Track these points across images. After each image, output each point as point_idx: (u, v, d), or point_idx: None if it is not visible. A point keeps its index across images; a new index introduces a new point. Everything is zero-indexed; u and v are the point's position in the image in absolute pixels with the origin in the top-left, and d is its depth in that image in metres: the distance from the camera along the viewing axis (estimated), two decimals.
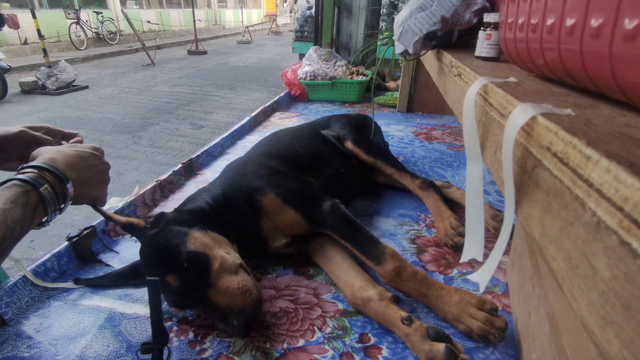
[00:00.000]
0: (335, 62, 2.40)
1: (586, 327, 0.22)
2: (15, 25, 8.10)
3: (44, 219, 0.58)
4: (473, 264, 0.86)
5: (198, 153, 1.44)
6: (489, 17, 0.69)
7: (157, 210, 1.10)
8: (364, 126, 1.28)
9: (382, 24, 2.92)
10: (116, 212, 0.98)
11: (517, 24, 0.44)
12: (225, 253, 0.70)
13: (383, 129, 1.60)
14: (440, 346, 0.60)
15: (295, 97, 2.43)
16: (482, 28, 0.70)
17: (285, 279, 0.83)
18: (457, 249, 0.91)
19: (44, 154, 0.61)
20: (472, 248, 0.43)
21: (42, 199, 0.55)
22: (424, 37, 0.87)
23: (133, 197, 1.08)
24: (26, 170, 0.57)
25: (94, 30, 9.93)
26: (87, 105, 4.85)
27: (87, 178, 0.64)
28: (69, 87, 5.51)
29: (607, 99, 0.35)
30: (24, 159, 0.65)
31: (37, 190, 0.55)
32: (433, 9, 0.85)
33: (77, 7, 9.50)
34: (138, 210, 1.09)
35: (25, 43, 8.71)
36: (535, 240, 0.30)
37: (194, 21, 9.54)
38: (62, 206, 0.60)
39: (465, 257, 0.43)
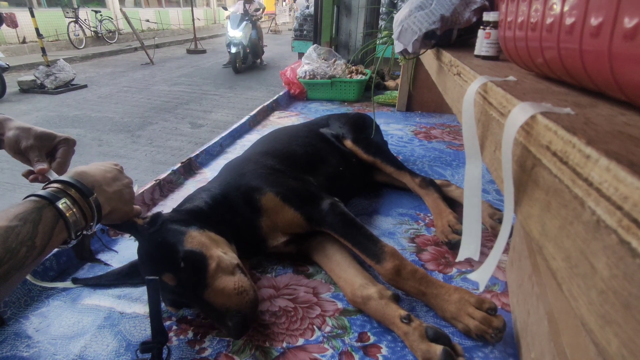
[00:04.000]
0: (334, 61, 2.40)
1: (585, 326, 0.22)
2: (13, 24, 8.07)
3: (67, 237, 0.54)
4: (472, 263, 0.86)
5: (197, 152, 1.44)
6: (488, 16, 0.69)
7: (156, 210, 1.10)
8: (363, 125, 1.28)
9: (382, 23, 2.92)
10: None
11: (517, 22, 0.44)
12: (222, 253, 0.70)
13: (382, 128, 1.60)
14: (438, 348, 0.60)
15: (295, 96, 2.43)
16: (481, 27, 0.70)
17: (284, 278, 0.84)
18: (452, 246, 0.91)
19: (74, 170, 0.59)
20: (468, 247, 0.43)
21: (62, 215, 0.51)
22: (423, 36, 0.87)
23: None
24: (50, 185, 0.54)
25: (92, 29, 9.91)
26: (86, 104, 4.84)
27: (116, 192, 0.62)
28: (67, 86, 5.50)
29: (606, 98, 0.35)
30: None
31: (54, 205, 0.51)
32: (432, 7, 0.85)
33: (75, 6, 9.47)
34: None
35: (24, 42, 8.69)
36: (535, 239, 0.30)
37: (193, 20, 9.51)
38: (92, 224, 0.57)
39: (461, 255, 0.43)
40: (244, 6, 7.10)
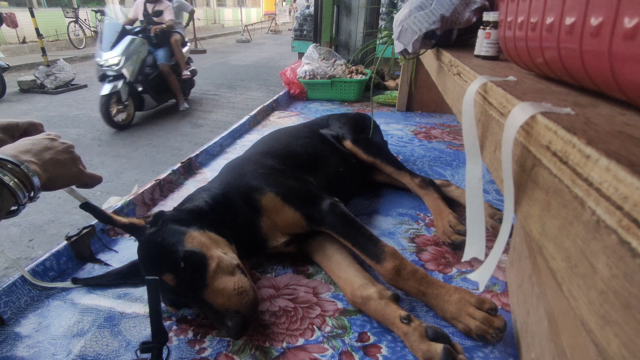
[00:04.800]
0: (334, 61, 2.40)
1: (585, 326, 0.22)
2: (13, 24, 8.08)
3: (13, 207, 0.57)
4: (472, 263, 0.86)
5: (197, 152, 1.44)
6: (488, 16, 0.69)
7: (156, 210, 1.10)
8: (363, 125, 1.28)
9: (382, 23, 2.92)
10: (115, 212, 0.98)
11: (517, 22, 0.44)
12: (222, 253, 0.70)
13: (382, 128, 1.60)
14: (438, 347, 0.60)
15: (295, 96, 2.43)
16: (481, 27, 0.70)
17: (284, 278, 0.83)
18: (455, 247, 0.91)
19: None
20: (473, 247, 0.43)
21: (3, 184, 0.54)
22: (423, 36, 0.87)
23: (132, 196, 1.08)
24: None
25: (92, 29, 9.90)
26: (86, 104, 4.83)
27: (50, 159, 0.63)
28: (67, 86, 5.50)
29: (606, 98, 0.35)
30: None
31: None
32: (432, 7, 0.85)
33: (75, 6, 9.47)
34: (137, 209, 1.09)
35: (24, 42, 8.69)
36: (535, 239, 0.30)
37: (193, 20, 9.51)
38: (32, 194, 0.59)
39: (467, 256, 0.43)
40: (144, 6, 4.23)
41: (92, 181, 0.71)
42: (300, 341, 0.68)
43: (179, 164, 1.32)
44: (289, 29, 13.53)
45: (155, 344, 0.61)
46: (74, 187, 0.70)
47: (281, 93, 2.38)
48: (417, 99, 2.13)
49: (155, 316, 0.61)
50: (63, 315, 0.74)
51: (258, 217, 0.83)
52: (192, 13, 5.33)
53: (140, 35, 3.99)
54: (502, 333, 0.65)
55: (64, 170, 0.65)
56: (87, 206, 0.72)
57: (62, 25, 9.15)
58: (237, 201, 0.84)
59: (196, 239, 0.70)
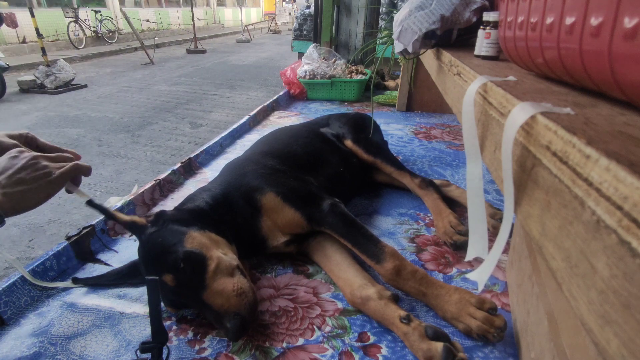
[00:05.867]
0: (334, 61, 2.39)
1: (585, 325, 0.22)
2: (13, 23, 8.07)
3: None
4: (472, 263, 0.86)
5: (197, 152, 1.44)
6: (488, 16, 0.69)
7: (156, 209, 1.10)
8: (363, 125, 1.28)
9: (382, 23, 2.92)
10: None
11: (517, 22, 0.44)
12: (222, 254, 0.70)
13: (382, 128, 1.60)
14: (439, 345, 0.60)
15: (295, 96, 2.43)
16: (481, 27, 0.70)
17: (284, 278, 0.84)
18: (456, 247, 0.91)
19: None
20: (476, 246, 0.43)
21: None
22: (423, 36, 0.87)
23: (132, 196, 1.08)
24: None
25: (92, 29, 9.90)
26: (86, 104, 4.83)
27: (12, 183, 0.59)
28: (67, 86, 5.49)
29: (606, 98, 0.35)
30: None
31: None
32: (432, 7, 0.85)
33: (75, 6, 9.47)
34: (137, 209, 1.09)
35: (24, 42, 8.68)
36: (535, 239, 0.30)
37: (193, 20, 9.51)
38: None
39: (470, 255, 0.43)
40: None
41: (71, 179, 0.67)
42: (300, 341, 0.68)
43: (179, 164, 1.32)
44: (289, 29, 13.53)
45: (155, 344, 0.61)
46: (73, 185, 0.69)
47: (281, 93, 2.38)
48: (417, 99, 2.13)
49: (155, 316, 0.61)
50: (63, 315, 0.74)
51: (258, 217, 0.83)
52: None
53: None
54: (503, 332, 0.65)
55: (30, 191, 0.61)
56: (91, 203, 0.72)
57: (62, 25, 9.14)
58: (237, 201, 0.84)
59: (196, 239, 0.70)
